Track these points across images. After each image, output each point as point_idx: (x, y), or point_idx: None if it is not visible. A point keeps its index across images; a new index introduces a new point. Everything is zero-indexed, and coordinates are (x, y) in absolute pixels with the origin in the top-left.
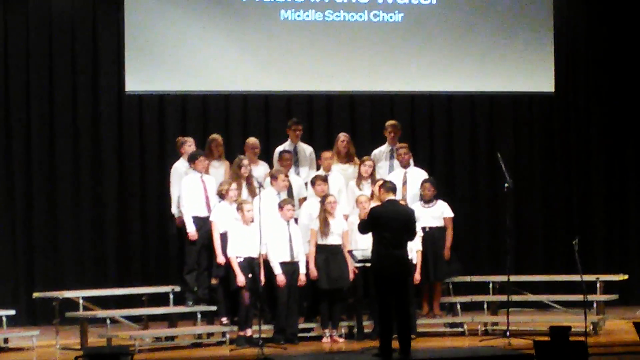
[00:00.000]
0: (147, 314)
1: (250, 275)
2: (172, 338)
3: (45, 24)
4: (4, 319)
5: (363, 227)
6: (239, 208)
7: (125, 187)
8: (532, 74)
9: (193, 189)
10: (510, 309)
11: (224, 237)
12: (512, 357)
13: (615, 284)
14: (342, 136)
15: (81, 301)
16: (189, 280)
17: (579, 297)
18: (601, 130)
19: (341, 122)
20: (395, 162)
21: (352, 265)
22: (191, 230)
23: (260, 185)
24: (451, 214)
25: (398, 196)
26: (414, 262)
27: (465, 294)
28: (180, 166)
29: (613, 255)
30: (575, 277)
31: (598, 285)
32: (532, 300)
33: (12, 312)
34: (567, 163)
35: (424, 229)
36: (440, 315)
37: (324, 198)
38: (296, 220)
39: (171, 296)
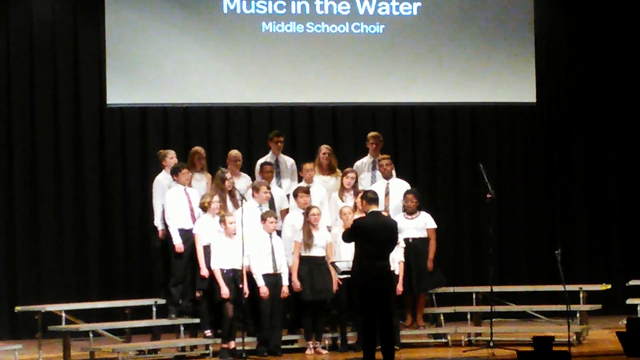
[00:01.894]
0: (130, 326)
1: (234, 288)
2: (155, 351)
3: (25, 37)
4: None
5: (347, 237)
6: (222, 220)
7: (108, 200)
8: (514, 84)
9: (177, 202)
10: (493, 320)
11: (207, 249)
12: None
13: (598, 293)
14: (324, 148)
15: (64, 314)
16: (175, 293)
17: (562, 307)
18: (583, 139)
19: (323, 134)
20: (378, 174)
21: (335, 277)
22: (177, 242)
23: (243, 198)
24: (434, 225)
25: (380, 207)
26: (397, 273)
27: (449, 304)
28: (162, 179)
29: (596, 265)
30: (558, 287)
31: (581, 295)
32: (515, 310)
33: None
34: (550, 173)
35: (406, 240)
36: (424, 326)
37: (307, 210)
38: (279, 232)
39: (154, 309)
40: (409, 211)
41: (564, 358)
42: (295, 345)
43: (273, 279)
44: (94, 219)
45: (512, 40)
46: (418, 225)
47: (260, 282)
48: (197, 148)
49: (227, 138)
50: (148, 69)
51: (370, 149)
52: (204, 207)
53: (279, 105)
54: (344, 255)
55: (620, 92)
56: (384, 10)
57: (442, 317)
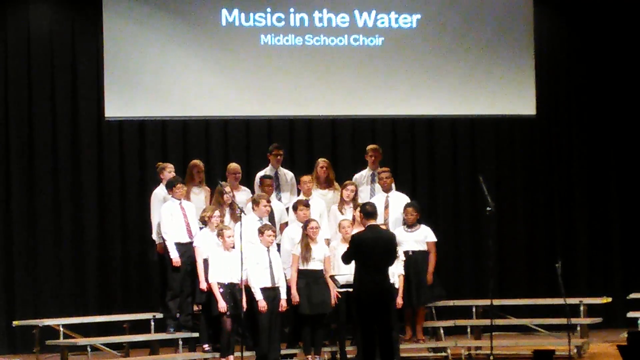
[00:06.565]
0: (128, 341)
1: (232, 302)
2: None
3: (23, 50)
4: None
5: (347, 257)
6: (220, 234)
7: (106, 214)
8: (514, 96)
9: (173, 216)
10: (493, 333)
11: (206, 263)
12: None
13: (599, 307)
14: (322, 162)
15: (61, 329)
16: (172, 307)
17: (562, 321)
18: (583, 152)
19: (322, 147)
20: (377, 186)
21: (334, 291)
22: (174, 256)
23: (242, 211)
24: (434, 239)
25: (380, 220)
26: (396, 286)
27: (449, 318)
28: (160, 192)
29: (596, 278)
30: (559, 301)
31: (582, 308)
32: (515, 324)
33: None
34: (549, 186)
35: (406, 253)
36: (424, 340)
37: (306, 223)
38: (278, 245)
39: (152, 323)
40: (408, 224)
41: None
42: None
43: (271, 293)
44: (92, 232)
45: (511, 53)
46: (418, 238)
47: (259, 296)
48: (196, 161)
49: (225, 151)
50: (146, 82)
51: (369, 162)
52: (205, 221)
53: (278, 118)
54: (343, 268)
55: (620, 105)
56: (383, 23)
57: (442, 331)
